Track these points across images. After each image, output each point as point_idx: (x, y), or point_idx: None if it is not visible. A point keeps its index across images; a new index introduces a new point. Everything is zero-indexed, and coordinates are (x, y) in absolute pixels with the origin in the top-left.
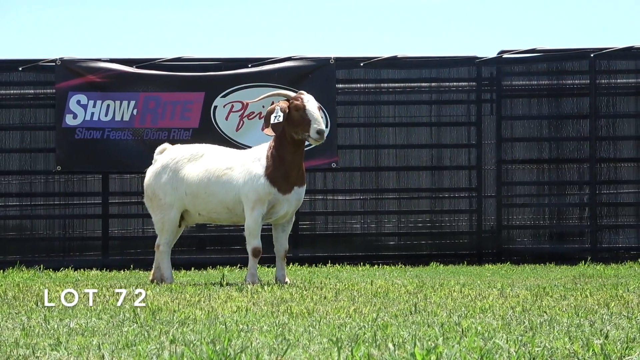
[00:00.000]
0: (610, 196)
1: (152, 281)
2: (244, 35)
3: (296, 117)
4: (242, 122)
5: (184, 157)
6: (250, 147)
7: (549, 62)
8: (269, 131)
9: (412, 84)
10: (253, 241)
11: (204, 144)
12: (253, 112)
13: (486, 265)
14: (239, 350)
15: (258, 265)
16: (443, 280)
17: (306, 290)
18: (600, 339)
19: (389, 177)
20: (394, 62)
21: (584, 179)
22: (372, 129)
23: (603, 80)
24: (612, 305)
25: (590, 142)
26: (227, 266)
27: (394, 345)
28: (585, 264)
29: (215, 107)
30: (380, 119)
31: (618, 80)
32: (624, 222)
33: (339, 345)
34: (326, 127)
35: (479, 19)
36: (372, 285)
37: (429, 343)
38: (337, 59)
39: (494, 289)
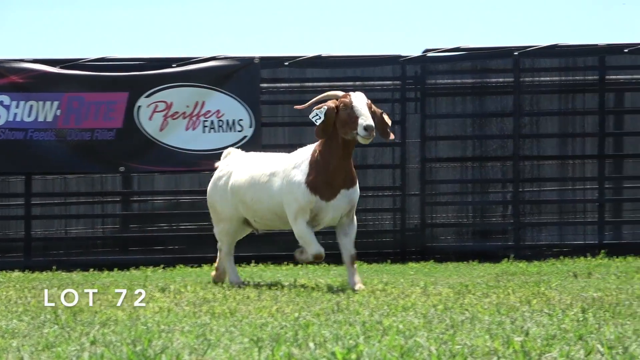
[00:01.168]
0: (533, 194)
1: (215, 281)
2: (168, 35)
3: (343, 116)
4: (166, 121)
5: (235, 164)
6: (173, 147)
7: (473, 61)
8: (319, 135)
9: (337, 83)
10: (310, 248)
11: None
12: (177, 112)
13: (410, 263)
14: (159, 351)
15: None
16: (366, 278)
17: (229, 290)
18: (520, 337)
19: None
20: (318, 61)
21: (507, 176)
22: (297, 128)
23: (527, 79)
24: (534, 302)
25: (513, 140)
26: (151, 267)
27: (315, 344)
28: (508, 261)
29: (139, 107)
30: (305, 119)
31: (542, 78)
32: (546, 219)
33: (260, 345)
34: (250, 126)
35: (403, 17)
36: (295, 284)
37: (350, 342)
38: (262, 59)
39: (416, 287)
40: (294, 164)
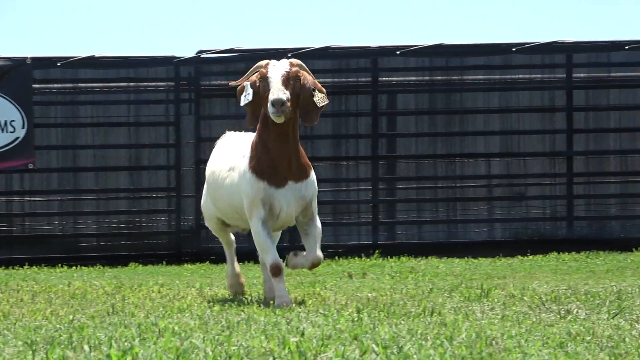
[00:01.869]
0: None
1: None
2: None
3: (260, 89)
4: None
5: (214, 152)
6: None
7: (247, 62)
8: (250, 122)
9: (110, 84)
10: (266, 257)
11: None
12: None
13: (185, 265)
14: None
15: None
16: (142, 280)
17: (2, 293)
18: (296, 337)
19: (87, 178)
20: (91, 62)
21: None
22: (70, 129)
23: None
24: (309, 303)
25: None
26: None
27: (89, 346)
28: (283, 262)
29: None
30: (78, 119)
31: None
32: (321, 220)
33: (34, 347)
34: (23, 127)
35: (177, 18)
36: (69, 287)
37: (126, 344)
38: (34, 59)
39: (192, 289)
40: (242, 153)
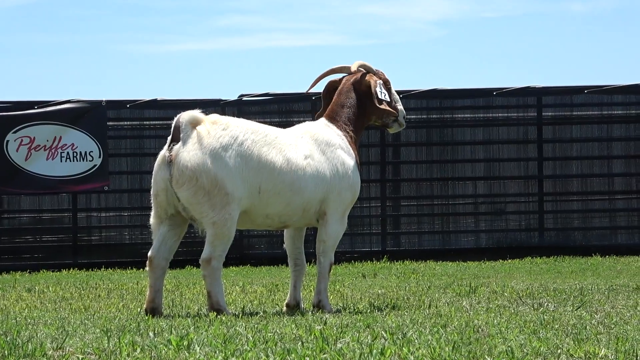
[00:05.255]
0: None
1: (148, 311)
2: (31, 81)
3: (389, 96)
4: (30, 153)
5: (251, 137)
6: (36, 173)
7: (279, 104)
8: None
9: (169, 122)
10: None
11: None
12: (39, 145)
13: (230, 267)
14: (26, 340)
15: None
16: (195, 280)
17: (84, 290)
18: (320, 325)
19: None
20: (154, 104)
21: None
22: (137, 158)
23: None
24: (331, 298)
25: None
26: (19, 272)
27: (154, 333)
28: (309, 265)
29: (8, 141)
30: (143, 150)
31: None
32: None
33: (109, 334)
34: (99, 156)
35: (223, 68)
36: (137, 285)
37: (183, 331)
38: (108, 102)
39: (236, 287)
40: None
